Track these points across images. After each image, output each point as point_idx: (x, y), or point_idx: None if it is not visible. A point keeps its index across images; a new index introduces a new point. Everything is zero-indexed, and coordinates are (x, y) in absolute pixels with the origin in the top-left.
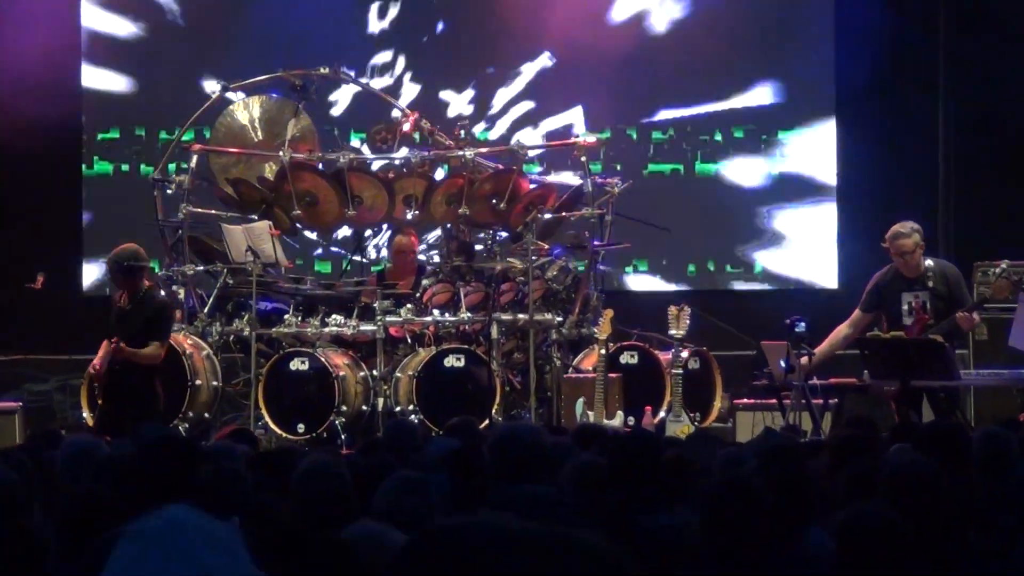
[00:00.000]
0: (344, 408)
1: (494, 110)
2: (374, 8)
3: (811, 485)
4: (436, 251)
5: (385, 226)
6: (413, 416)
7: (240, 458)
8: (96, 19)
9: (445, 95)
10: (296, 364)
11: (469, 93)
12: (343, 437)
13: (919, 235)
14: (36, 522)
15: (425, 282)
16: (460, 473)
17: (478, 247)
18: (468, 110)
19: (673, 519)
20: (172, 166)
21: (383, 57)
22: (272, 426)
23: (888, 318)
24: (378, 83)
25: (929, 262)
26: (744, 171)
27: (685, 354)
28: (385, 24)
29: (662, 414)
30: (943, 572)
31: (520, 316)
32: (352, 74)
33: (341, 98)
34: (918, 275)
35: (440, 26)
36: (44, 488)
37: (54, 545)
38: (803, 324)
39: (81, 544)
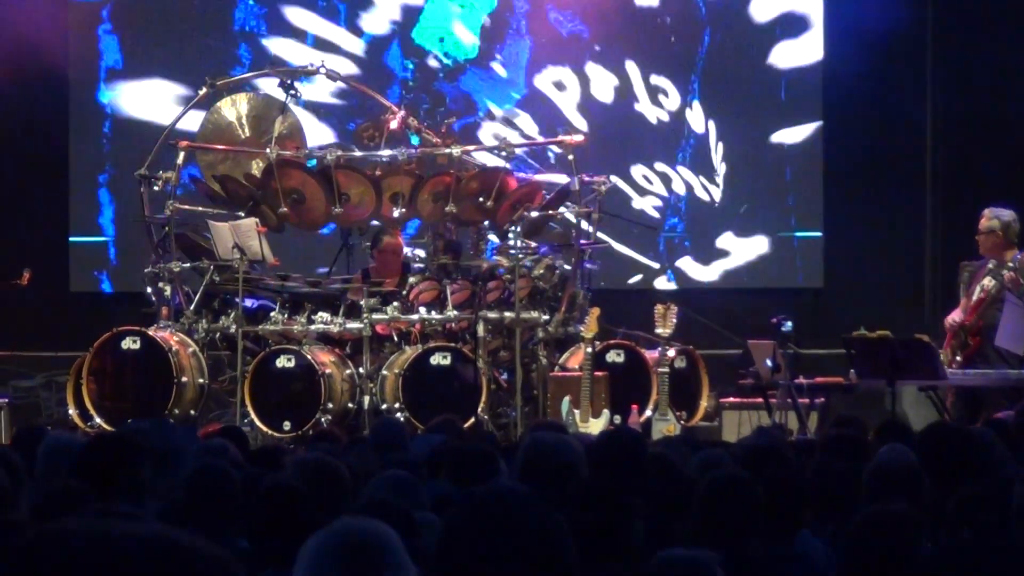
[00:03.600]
0: (330, 406)
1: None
2: None
3: (803, 485)
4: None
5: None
6: (399, 414)
7: (231, 456)
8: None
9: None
10: (282, 362)
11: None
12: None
13: (999, 222)
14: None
15: (412, 280)
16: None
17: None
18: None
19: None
20: None
21: None
22: (258, 424)
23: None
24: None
25: (1019, 255)
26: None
27: (672, 353)
28: None
29: (648, 413)
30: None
31: (507, 314)
32: (338, 71)
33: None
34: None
35: None
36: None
37: None
38: (789, 323)
39: None
